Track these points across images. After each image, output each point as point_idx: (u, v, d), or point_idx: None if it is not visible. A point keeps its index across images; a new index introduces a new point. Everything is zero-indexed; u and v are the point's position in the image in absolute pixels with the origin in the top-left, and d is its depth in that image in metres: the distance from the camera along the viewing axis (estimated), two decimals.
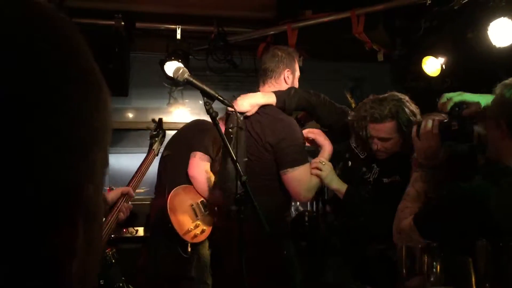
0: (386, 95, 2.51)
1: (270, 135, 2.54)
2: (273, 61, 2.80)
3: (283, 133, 2.54)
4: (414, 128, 2.02)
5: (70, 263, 0.39)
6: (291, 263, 2.63)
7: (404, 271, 1.25)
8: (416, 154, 2.00)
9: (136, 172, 2.39)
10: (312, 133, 2.76)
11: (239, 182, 2.02)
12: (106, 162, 0.45)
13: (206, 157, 3.17)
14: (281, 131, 2.55)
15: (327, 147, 2.71)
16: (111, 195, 2.04)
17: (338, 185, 2.63)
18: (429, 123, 1.96)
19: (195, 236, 3.12)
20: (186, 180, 3.19)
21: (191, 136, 3.25)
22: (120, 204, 2.01)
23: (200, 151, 3.16)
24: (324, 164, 2.63)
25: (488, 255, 1.22)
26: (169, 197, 3.08)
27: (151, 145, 2.68)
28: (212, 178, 3.16)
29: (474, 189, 1.57)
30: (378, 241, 2.53)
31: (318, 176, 2.61)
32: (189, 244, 3.13)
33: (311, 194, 2.66)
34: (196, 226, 3.14)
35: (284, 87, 2.77)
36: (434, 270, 1.02)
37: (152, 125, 2.87)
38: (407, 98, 2.52)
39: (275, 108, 2.64)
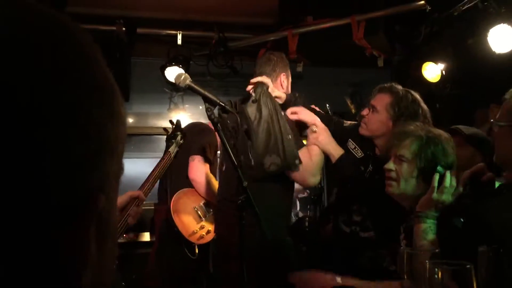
0: None
1: None
2: (269, 65, 2.82)
3: None
4: (435, 177, 1.82)
5: (82, 271, 0.40)
6: (291, 266, 2.62)
7: (405, 277, 1.26)
8: (423, 202, 1.81)
9: (149, 175, 2.31)
10: (295, 112, 2.62)
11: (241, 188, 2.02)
12: (120, 172, 0.46)
13: (204, 159, 3.22)
14: None
15: (314, 119, 2.63)
16: (120, 199, 1.98)
17: (333, 150, 2.55)
18: (453, 180, 1.79)
19: (201, 237, 3.17)
20: (187, 183, 3.23)
21: (188, 140, 3.26)
22: (130, 208, 1.97)
23: (198, 154, 3.20)
24: (316, 129, 2.56)
25: (489, 262, 1.22)
26: (172, 201, 3.11)
27: (167, 147, 2.63)
28: (213, 180, 3.20)
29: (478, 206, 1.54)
30: (369, 248, 2.53)
31: (314, 140, 2.55)
32: (196, 246, 3.16)
33: (316, 178, 2.60)
34: (202, 227, 3.18)
35: (279, 90, 2.78)
36: (436, 276, 1.03)
37: (169, 128, 2.86)
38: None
39: None
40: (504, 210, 1.41)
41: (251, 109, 2.52)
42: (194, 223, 3.17)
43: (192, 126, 3.46)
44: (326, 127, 2.63)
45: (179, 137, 2.66)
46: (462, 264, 1.01)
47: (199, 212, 3.21)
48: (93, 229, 0.41)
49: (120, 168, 0.46)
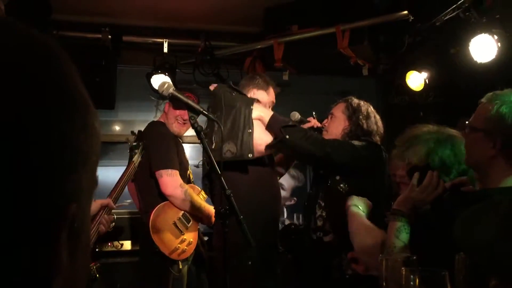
0: None
1: None
2: (246, 81, 2.96)
3: None
4: (416, 175, 1.81)
5: (54, 279, 0.41)
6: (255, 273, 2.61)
7: (384, 284, 1.27)
8: (401, 200, 1.80)
9: (116, 184, 2.39)
10: None
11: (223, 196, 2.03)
12: (94, 183, 0.47)
13: (172, 171, 3.07)
14: None
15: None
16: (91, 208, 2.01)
17: (262, 113, 2.66)
18: (434, 178, 1.78)
19: (183, 251, 3.08)
20: (158, 198, 3.09)
21: (147, 154, 3.02)
22: (100, 216, 2.00)
23: (163, 168, 3.04)
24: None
25: (466, 268, 1.24)
26: (150, 220, 2.99)
27: (131, 157, 2.67)
28: (189, 189, 3.13)
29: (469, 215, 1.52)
30: (333, 254, 2.56)
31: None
32: (179, 262, 3.09)
33: None
34: (182, 241, 3.10)
35: None
36: (412, 283, 1.04)
37: (132, 138, 2.86)
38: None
39: None
40: (474, 223, 1.42)
41: (229, 97, 2.63)
42: (174, 239, 3.06)
43: (146, 133, 3.17)
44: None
45: (141, 147, 2.73)
46: (438, 271, 1.03)
47: (178, 226, 3.11)
48: (65, 237, 0.41)
49: (94, 179, 0.47)
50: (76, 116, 0.43)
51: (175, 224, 3.09)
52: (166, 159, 3.07)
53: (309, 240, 2.76)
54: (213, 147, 2.44)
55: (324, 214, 2.63)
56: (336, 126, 2.79)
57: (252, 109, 2.63)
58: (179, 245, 3.06)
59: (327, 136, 2.80)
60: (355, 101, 2.82)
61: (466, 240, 1.32)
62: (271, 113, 2.69)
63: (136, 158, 2.68)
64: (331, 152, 2.52)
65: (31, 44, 0.42)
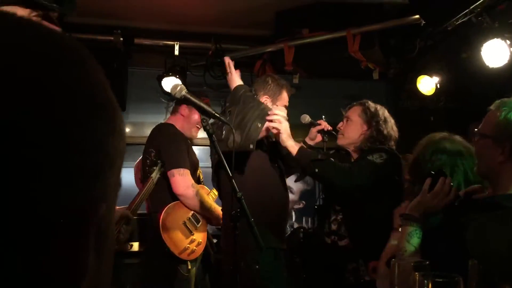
0: None
1: None
2: (258, 85, 2.94)
3: None
4: (428, 181, 1.80)
5: (82, 280, 0.41)
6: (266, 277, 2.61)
7: None
8: (413, 205, 1.80)
9: (135, 198, 2.45)
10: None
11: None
12: (118, 185, 0.48)
13: (184, 171, 3.06)
14: None
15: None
16: None
17: (292, 143, 2.62)
18: (445, 184, 1.78)
19: (192, 252, 3.08)
20: (169, 198, 3.09)
21: (158, 154, 3.06)
22: (120, 226, 2.04)
23: (175, 167, 3.03)
24: (282, 120, 2.62)
25: (479, 275, 1.23)
26: (160, 220, 2.99)
27: (149, 173, 2.71)
28: (200, 189, 3.13)
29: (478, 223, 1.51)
30: (350, 259, 2.57)
31: (276, 129, 2.61)
32: (188, 262, 3.09)
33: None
34: (192, 241, 3.10)
35: None
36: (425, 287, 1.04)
37: (152, 155, 2.90)
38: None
39: None
40: (488, 231, 1.41)
41: (247, 94, 2.67)
42: (184, 239, 3.06)
43: (155, 134, 3.25)
44: (287, 124, 2.69)
45: (159, 165, 2.78)
46: (451, 277, 1.02)
47: (188, 226, 3.11)
48: (93, 238, 0.42)
49: (118, 182, 0.48)
50: (106, 119, 0.44)
51: (185, 224, 3.10)
52: (178, 159, 3.06)
53: (321, 243, 2.76)
54: (222, 137, 2.45)
55: (339, 218, 2.63)
56: (353, 130, 2.74)
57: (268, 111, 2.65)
58: (188, 245, 3.06)
59: (342, 139, 2.78)
60: (372, 105, 2.77)
61: (480, 247, 1.32)
62: (299, 145, 2.65)
63: (155, 175, 2.73)
64: (361, 184, 2.50)
65: (60, 47, 0.43)
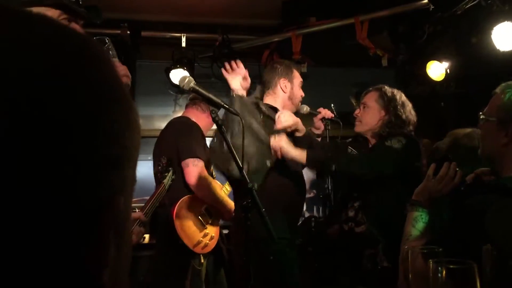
0: None
1: None
2: (269, 73, 2.91)
3: None
4: (433, 166, 1.83)
5: (103, 271, 0.43)
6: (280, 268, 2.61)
7: (410, 276, 1.26)
8: (418, 190, 1.83)
9: (147, 201, 2.47)
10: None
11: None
12: (134, 179, 0.49)
13: (197, 160, 3.06)
14: None
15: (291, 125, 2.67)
16: None
17: (297, 152, 2.57)
18: (450, 169, 1.80)
19: (205, 245, 3.10)
20: (184, 189, 3.09)
21: (175, 144, 3.11)
22: (133, 227, 2.07)
23: (190, 157, 3.04)
24: (275, 138, 2.55)
25: (493, 260, 1.22)
26: (174, 213, 3.00)
27: (161, 178, 2.75)
28: (213, 182, 3.14)
29: (476, 203, 1.54)
30: (367, 246, 2.57)
31: (275, 153, 2.56)
32: (201, 256, 3.11)
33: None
34: (205, 235, 3.11)
35: (281, 95, 2.83)
36: (439, 275, 1.03)
37: (164, 160, 2.91)
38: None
39: None
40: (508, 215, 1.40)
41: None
42: (197, 232, 3.08)
43: (174, 128, 3.28)
44: (284, 135, 2.61)
45: (171, 172, 2.81)
46: (466, 263, 1.02)
47: (201, 219, 3.12)
48: (112, 230, 0.44)
49: (135, 175, 0.49)
50: (121, 113, 0.45)
51: (198, 217, 3.11)
52: (194, 149, 3.07)
53: (340, 231, 2.76)
54: (225, 147, 2.41)
55: (356, 205, 2.62)
56: (371, 116, 2.69)
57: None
58: (202, 238, 3.07)
59: (360, 126, 2.73)
60: (389, 89, 2.72)
61: (500, 230, 1.31)
62: (304, 151, 2.58)
63: (167, 181, 2.76)
64: (381, 171, 2.47)
65: (76, 45, 0.44)
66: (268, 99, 2.85)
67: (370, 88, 2.81)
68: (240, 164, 2.01)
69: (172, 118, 3.60)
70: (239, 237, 2.59)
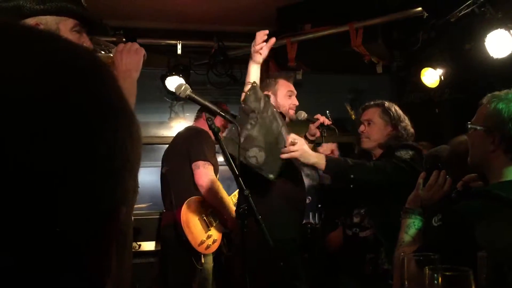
0: None
1: None
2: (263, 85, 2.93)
3: None
4: (422, 175, 1.94)
5: (105, 280, 0.44)
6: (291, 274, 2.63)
7: (406, 283, 1.27)
8: (410, 198, 1.91)
9: None
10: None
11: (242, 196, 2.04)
12: (136, 190, 0.50)
13: (208, 164, 3.16)
14: None
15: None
16: None
17: (316, 158, 2.59)
18: (440, 177, 1.89)
19: (208, 247, 3.16)
20: (193, 191, 3.18)
21: (187, 147, 3.24)
22: None
23: (201, 159, 3.15)
24: (295, 142, 2.56)
25: (489, 266, 1.23)
26: (181, 211, 3.07)
27: None
28: (221, 187, 3.18)
29: (464, 207, 1.60)
30: (369, 249, 2.61)
31: (292, 156, 2.57)
32: (202, 256, 3.16)
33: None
34: (209, 237, 3.17)
35: None
36: (435, 282, 1.04)
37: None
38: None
39: None
40: (501, 225, 1.42)
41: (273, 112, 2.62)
42: (202, 232, 3.14)
43: (188, 132, 3.43)
44: (302, 140, 2.65)
45: None
46: (462, 270, 1.02)
47: (207, 221, 3.19)
48: (115, 240, 0.45)
49: (136, 186, 0.50)
50: (123, 126, 0.46)
51: (203, 218, 3.17)
52: (206, 152, 3.18)
53: (344, 236, 2.81)
54: (241, 141, 2.42)
55: (362, 211, 2.67)
56: (377, 132, 2.76)
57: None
58: (205, 239, 3.13)
59: (369, 143, 2.79)
60: (388, 105, 2.80)
61: (491, 241, 1.32)
62: (323, 157, 2.62)
63: None
64: (397, 181, 2.50)
65: (77, 58, 0.45)
66: None
67: (371, 103, 2.87)
68: (236, 171, 2.02)
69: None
70: (239, 244, 2.60)
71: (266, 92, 2.83)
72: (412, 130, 2.77)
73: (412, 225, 1.83)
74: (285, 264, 2.56)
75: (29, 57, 0.41)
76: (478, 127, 1.72)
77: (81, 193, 0.40)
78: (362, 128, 2.82)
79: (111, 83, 0.47)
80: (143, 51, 1.76)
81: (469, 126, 1.77)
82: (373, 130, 2.77)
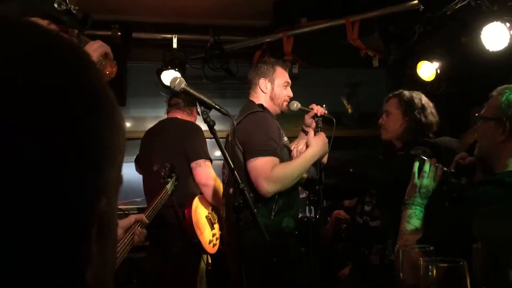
0: None
1: (239, 134, 2.60)
2: (252, 72, 2.89)
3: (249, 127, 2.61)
4: (416, 165, 1.97)
5: (86, 271, 0.43)
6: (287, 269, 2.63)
7: (401, 274, 1.27)
8: (408, 190, 1.95)
9: (150, 203, 2.50)
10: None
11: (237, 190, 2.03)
12: (119, 181, 0.50)
13: (208, 162, 3.13)
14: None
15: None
16: (125, 222, 2.15)
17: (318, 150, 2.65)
18: (432, 167, 1.92)
19: (214, 245, 3.15)
20: (193, 189, 3.14)
21: (183, 144, 3.15)
22: (135, 228, 2.10)
23: (202, 158, 3.11)
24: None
25: (484, 258, 1.23)
26: (192, 212, 3.02)
27: (164, 183, 2.74)
28: (220, 183, 3.15)
29: (478, 193, 1.62)
30: (378, 239, 2.62)
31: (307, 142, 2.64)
32: (208, 255, 3.15)
33: (269, 188, 2.49)
34: (213, 235, 3.16)
35: (262, 96, 2.81)
36: (430, 273, 1.04)
37: (168, 166, 2.90)
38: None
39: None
40: (499, 218, 1.43)
41: None
42: (209, 231, 3.12)
43: (177, 126, 3.30)
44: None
45: (174, 178, 2.80)
46: (456, 262, 1.02)
47: (211, 219, 3.17)
48: (95, 230, 0.44)
49: (120, 177, 0.50)
50: (104, 116, 0.46)
51: (208, 217, 3.16)
52: (205, 150, 3.14)
53: (353, 223, 2.84)
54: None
55: (374, 201, 2.69)
56: (393, 123, 2.74)
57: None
58: (211, 238, 3.12)
59: (386, 134, 2.77)
60: (407, 94, 2.76)
61: (488, 234, 1.32)
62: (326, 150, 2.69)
63: (169, 186, 2.74)
64: (401, 180, 2.50)
65: (58, 49, 0.44)
66: (253, 99, 2.84)
67: (390, 95, 2.85)
68: (232, 165, 2.02)
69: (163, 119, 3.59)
70: (232, 240, 2.60)
71: (262, 79, 2.81)
72: (432, 119, 2.70)
73: (414, 215, 1.85)
74: (281, 259, 2.55)
75: (7, 44, 0.40)
76: (489, 118, 1.74)
77: (58, 181, 0.40)
78: (380, 120, 2.82)
79: (93, 72, 0.46)
80: (102, 49, 1.75)
81: (478, 117, 1.80)
82: (389, 121, 2.76)
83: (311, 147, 2.63)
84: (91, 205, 0.43)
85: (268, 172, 2.44)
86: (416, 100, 2.70)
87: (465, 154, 1.93)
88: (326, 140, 2.69)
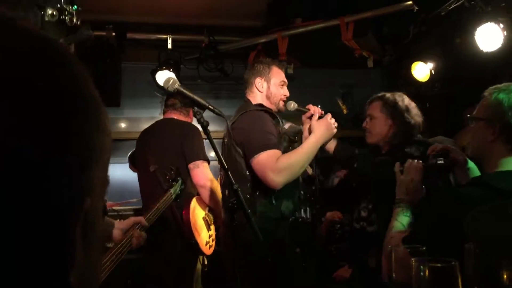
0: None
1: (236, 135, 2.60)
2: (248, 71, 2.91)
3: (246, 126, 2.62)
4: (397, 164, 2.04)
5: (70, 271, 0.43)
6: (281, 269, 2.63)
7: (394, 275, 1.27)
8: (396, 189, 1.99)
9: (151, 206, 2.47)
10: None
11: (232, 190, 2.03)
12: (106, 180, 0.50)
13: (206, 163, 3.12)
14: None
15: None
16: (124, 224, 2.13)
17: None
18: (412, 162, 2.01)
19: (211, 246, 3.14)
20: (190, 190, 3.13)
21: (181, 144, 3.14)
22: (133, 230, 2.08)
23: (199, 159, 3.09)
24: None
25: (476, 258, 1.23)
26: (190, 213, 3.01)
27: (169, 187, 2.74)
28: (218, 185, 3.14)
29: (460, 193, 1.65)
30: (374, 244, 2.62)
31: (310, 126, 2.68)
32: (205, 257, 3.13)
33: (277, 179, 2.50)
34: (210, 236, 3.15)
35: (258, 95, 2.82)
36: (422, 273, 1.04)
37: (174, 169, 2.88)
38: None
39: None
40: (490, 218, 1.43)
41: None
42: (206, 233, 3.11)
43: (175, 126, 3.29)
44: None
45: (180, 182, 2.81)
46: (448, 261, 1.03)
47: (207, 221, 3.16)
48: (79, 231, 0.44)
49: (106, 177, 0.50)
50: (89, 116, 0.45)
51: (205, 218, 3.15)
52: (202, 151, 3.14)
53: (351, 229, 2.86)
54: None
55: (370, 206, 2.68)
56: (379, 127, 2.70)
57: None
58: (208, 239, 3.11)
59: (371, 138, 2.75)
60: (390, 96, 2.72)
61: (480, 234, 1.33)
62: (335, 141, 2.73)
63: (174, 190, 2.75)
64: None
65: (44, 48, 0.44)
66: (249, 99, 2.84)
67: (372, 98, 2.82)
68: (225, 165, 2.02)
69: (158, 120, 3.57)
70: (227, 240, 2.60)
71: (258, 78, 2.82)
72: (418, 119, 2.68)
73: (401, 213, 1.91)
74: (276, 259, 2.55)
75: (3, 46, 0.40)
76: (480, 118, 1.76)
77: (42, 181, 0.39)
78: (364, 123, 2.80)
79: (79, 73, 0.46)
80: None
81: (470, 117, 1.81)
82: (374, 125, 2.73)
83: (313, 132, 2.65)
84: (75, 204, 0.43)
85: (273, 164, 2.46)
86: (400, 103, 2.68)
87: (436, 145, 2.02)
88: (330, 123, 2.68)
